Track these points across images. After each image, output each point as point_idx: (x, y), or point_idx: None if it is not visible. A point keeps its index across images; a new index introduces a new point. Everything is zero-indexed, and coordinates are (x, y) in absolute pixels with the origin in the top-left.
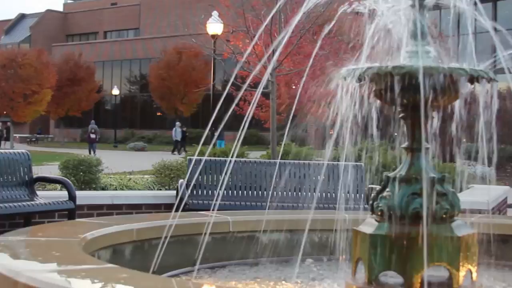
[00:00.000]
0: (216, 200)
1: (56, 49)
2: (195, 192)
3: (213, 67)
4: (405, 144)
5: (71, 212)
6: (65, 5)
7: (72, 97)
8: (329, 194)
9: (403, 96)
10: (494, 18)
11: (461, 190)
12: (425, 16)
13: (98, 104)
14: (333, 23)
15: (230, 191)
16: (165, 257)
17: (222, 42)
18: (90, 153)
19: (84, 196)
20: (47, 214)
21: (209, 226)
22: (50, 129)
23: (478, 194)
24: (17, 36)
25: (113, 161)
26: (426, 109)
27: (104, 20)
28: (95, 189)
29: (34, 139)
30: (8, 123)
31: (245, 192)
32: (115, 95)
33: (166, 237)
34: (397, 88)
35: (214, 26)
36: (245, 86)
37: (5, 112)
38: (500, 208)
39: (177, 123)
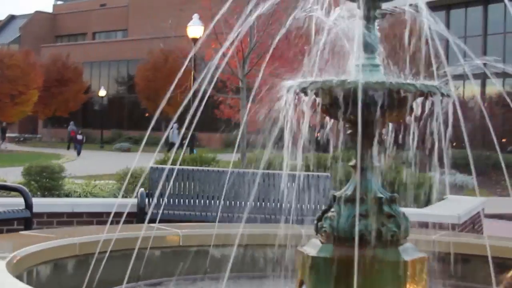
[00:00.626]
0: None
1: (44, 50)
2: (157, 201)
3: (193, 70)
4: (352, 162)
5: (28, 221)
6: (54, 6)
7: (60, 98)
8: (298, 205)
9: (349, 112)
10: (485, 21)
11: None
12: (375, 27)
13: (86, 104)
14: (285, 28)
15: (192, 201)
16: (109, 272)
17: (207, 45)
18: (78, 154)
19: (44, 204)
20: (5, 222)
21: (156, 240)
22: (38, 129)
23: (450, 207)
24: (6, 37)
25: (96, 162)
26: (374, 126)
27: (93, 21)
28: (58, 196)
29: (22, 139)
30: (4, 123)
31: (207, 202)
32: (102, 97)
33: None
34: (341, 104)
35: (195, 29)
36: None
37: None
38: (474, 221)
39: (175, 125)
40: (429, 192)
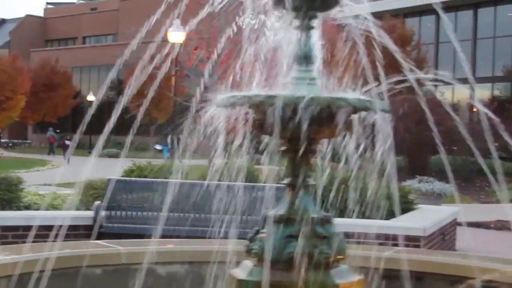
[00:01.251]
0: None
1: (34, 55)
2: (113, 214)
3: (174, 76)
4: (286, 180)
5: None
6: (45, 10)
7: (48, 103)
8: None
9: (280, 128)
10: (475, 25)
11: (404, 212)
12: (311, 38)
13: (77, 109)
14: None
15: (149, 214)
16: None
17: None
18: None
19: None
20: None
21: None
22: (28, 134)
23: (418, 218)
24: None
25: (82, 168)
26: (307, 143)
27: (83, 25)
28: (18, 208)
29: (10, 144)
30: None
31: (166, 214)
32: (91, 101)
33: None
34: (269, 120)
35: (175, 35)
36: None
37: None
38: (445, 232)
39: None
40: (401, 202)
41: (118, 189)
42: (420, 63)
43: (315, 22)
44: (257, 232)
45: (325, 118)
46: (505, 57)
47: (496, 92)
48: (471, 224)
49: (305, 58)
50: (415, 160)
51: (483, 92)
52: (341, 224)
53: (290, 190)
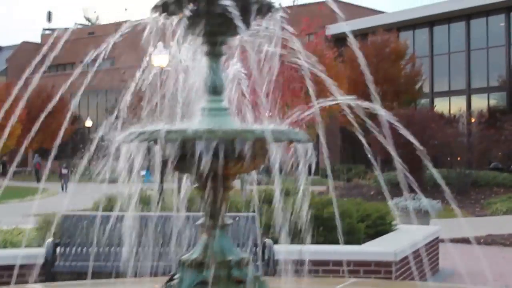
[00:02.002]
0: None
1: (32, 81)
2: (68, 251)
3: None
4: (200, 221)
5: None
6: (42, 36)
7: (46, 130)
8: None
9: (186, 164)
10: (468, 36)
11: (382, 234)
12: (220, 66)
13: (76, 134)
14: None
15: (105, 251)
16: None
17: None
18: (62, 189)
19: None
20: None
21: None
22: (28, 161)
23: (392, 241)
24: None
25: (77, 196)
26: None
27: (81, 50)
28: None
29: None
30: (5, 157)
31: (124, 251)
32: (89, 127)
33: None
34: (172, 156)
35: (160, 58)
36: None
37: None
38: (422, 253)
39: None
40: (378, 224)
41: (73, 224)
42: (414, 76)
43: (225, 48)
44: (171, 278)
45: (233, 151)
46: (500, 67)
47: (492, 102)
48: (460, 240)
49: (214, 87)
50: (410, 175)
51: (479, 102)
52: (310, 251)
53: (204, 231)
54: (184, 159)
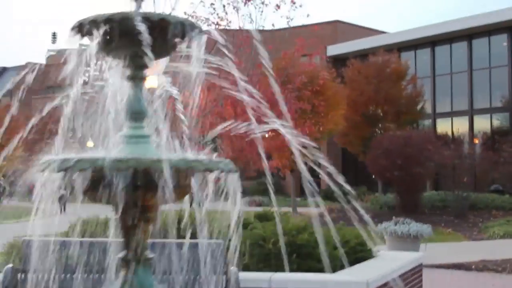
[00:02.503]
0: None
1: (36, 102)
2: (28, 278)
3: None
4: (120, 254)
5: None
6: (48, 57)
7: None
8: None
9: (102, 194)
10: (470, 56)
11: (360, 261)
12: (142, 90)
13: None
14: None
15: (67, 277)
16: None
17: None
18: (63, 210)
19: None
20: None
21: None
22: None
23: (371, 269)
24: None
25: (71, 217)
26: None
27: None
28: None
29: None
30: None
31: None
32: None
33: None
34: (85, 185)
35: (151, 80)
36: None
37: None
38: (400, 282)
39: None
40: (357, 250)
41: (37, 250)
42: (415, 97)
43: (147, 72)
44: None
45: (150, 181)
46: (503, 87)
47: (496, 123)
48: (451, 266)
49: (135, 113)
50: (407, 198)
51: (482, 123)
52: (277, 280)
53: (124, 266)
54: (97, 188)
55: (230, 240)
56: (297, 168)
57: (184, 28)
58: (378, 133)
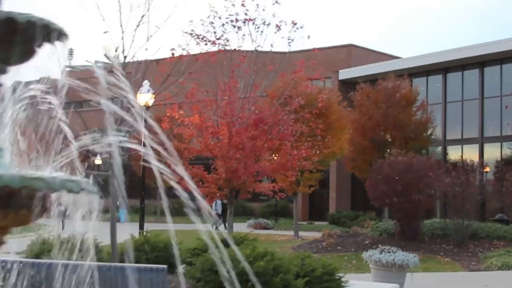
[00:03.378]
0: None
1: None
2: None
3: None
4: None
5: None
6: (63, 72)
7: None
8: None
9: None
10: (482, 84)
11: None
12: None
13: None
14: None
15: None
16: None
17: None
18: (62, 228)
19: None
20: None
21: None
22: None
23: None
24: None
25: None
26: None
27: (99, 87)
28: None
29: None
30: None
31: None
32: (98, 165)
33: None
34: None
35: (144, 96)
36: None
37: None
38: None
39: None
40: (324, 280)
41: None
42: (425, 123)
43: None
44: None
45: None
46: None
47: (506, 152)
48: None
49: None
50: (406, 225)
51: (492, 151)
52: None
53: None
54: None
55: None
56: (300, 191)
57: (39, 30)
58: (386, 158)
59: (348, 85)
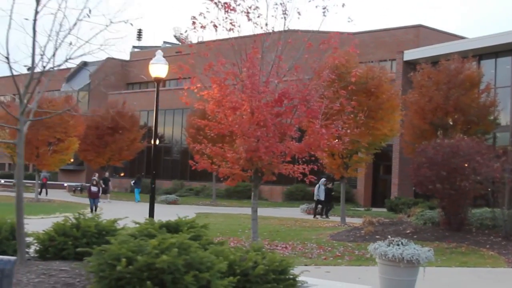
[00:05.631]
0: None
1: (112, 97)
2: None
3: (155, 116)
4: None
5: None
6: (131, 53)
7: (113, 146)
8: None
9: None
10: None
11: None
12: None
13: (144, 153)
14: None
15: None
16: None
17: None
18: (92, 211)
19: None
20: None
21: None
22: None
23: None
24: (76, 84)
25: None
26: None
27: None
28: None
29: (79, 188)
30: (107, 174)
31: None
32: (157, 145)
33: None
34: None
35: (158, 68)
36: None
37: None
38: None
39: (322, 179)
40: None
41: None
42: (489, 107)
43: None
44: None
45: None
46: None
47: None
48: None
49: None
50: (451, 214)
51: None
52: None
53: None
54: None
55: None
56: (348, 175)
57: None
58: None
59: (414, 66)
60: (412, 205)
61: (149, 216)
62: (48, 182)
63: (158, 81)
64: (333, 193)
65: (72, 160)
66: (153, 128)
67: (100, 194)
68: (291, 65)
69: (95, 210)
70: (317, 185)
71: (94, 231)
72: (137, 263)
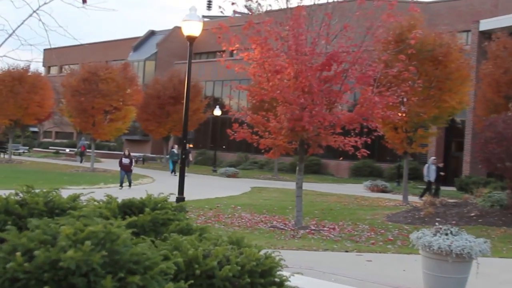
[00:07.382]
0: None
1: (178, 67)
2: None
3: (188, 77)
4: None
5: None
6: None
7: (175, 116)
8: None
9: None
10: None
11: None
12: None
13: (206, 124)
14: None
15: None
16: None
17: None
18: (121, 184)
19: None
20: None
21: None
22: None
23: None
24: (144, 53)
25: (163, 187)
26: None
27: (232, 39)
28: None
29: (140, 159)
30: (188, 148)
31: None
32: (217, 116)
33: None
34: None
35: (191, 26)
36: None
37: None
38: None
39: (432, 158)
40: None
41: None
42: None
43: None
44: None
45: None
46: None
47: None
48: None
49: None
50: None
51: None
52: None
53: None
54: None
55: None
56: (412, 150)
57: None
58: None
59: (490, 37)
60: (483, 184)
61: (179, 192)
62: (112, 151)
63: (191, 39)
64: (442, 173)
65: (127, 130)
66: (185, 86)
67: (132, 166)
68: (340, 26)
69: (129, 186)
70: (426, 165)
71: (43, 209)
72: (37, 260)
